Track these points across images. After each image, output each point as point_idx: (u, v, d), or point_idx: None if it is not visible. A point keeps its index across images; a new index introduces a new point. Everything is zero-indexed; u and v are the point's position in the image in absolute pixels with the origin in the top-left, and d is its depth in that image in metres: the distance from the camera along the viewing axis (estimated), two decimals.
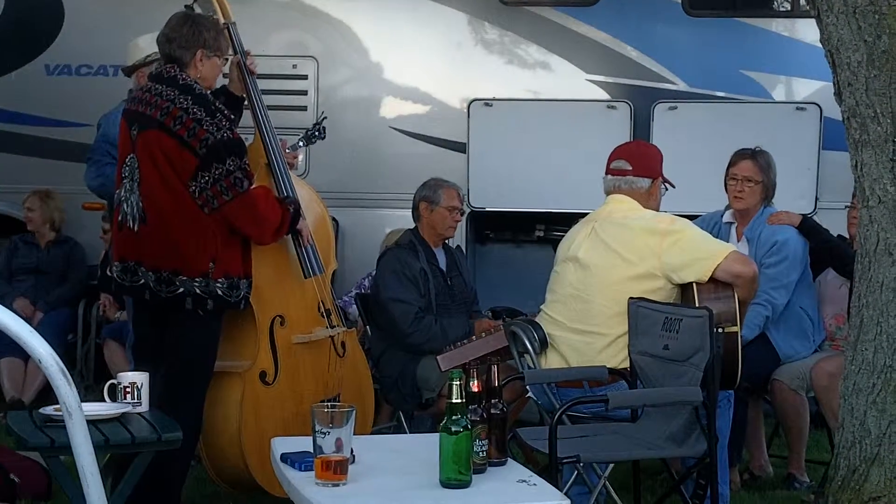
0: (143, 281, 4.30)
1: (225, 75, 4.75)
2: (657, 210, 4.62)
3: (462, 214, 5.82)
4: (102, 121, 5.81)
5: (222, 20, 4.75)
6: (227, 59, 4.50)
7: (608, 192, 4.60)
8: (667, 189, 4.66)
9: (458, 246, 6.07)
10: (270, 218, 4.38)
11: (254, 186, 4.33)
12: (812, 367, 5.11)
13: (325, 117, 5.54)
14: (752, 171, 5.23)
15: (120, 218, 4.39)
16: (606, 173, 4.61)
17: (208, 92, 4.36)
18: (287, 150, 4.97)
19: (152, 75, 4.47)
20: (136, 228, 4.31)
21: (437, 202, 5.64)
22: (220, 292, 4.27)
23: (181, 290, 4.24)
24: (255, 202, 4.31)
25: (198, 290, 4.24)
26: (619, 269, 4.34)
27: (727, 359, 4.09)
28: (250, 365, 4.57)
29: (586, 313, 4.38)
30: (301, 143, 5.26)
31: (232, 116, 4.42)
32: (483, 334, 5.20)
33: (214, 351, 4.43)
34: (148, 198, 4.27)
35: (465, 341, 5.18)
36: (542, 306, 4.62)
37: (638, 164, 4.57)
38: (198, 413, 4.36)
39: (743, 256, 4.41)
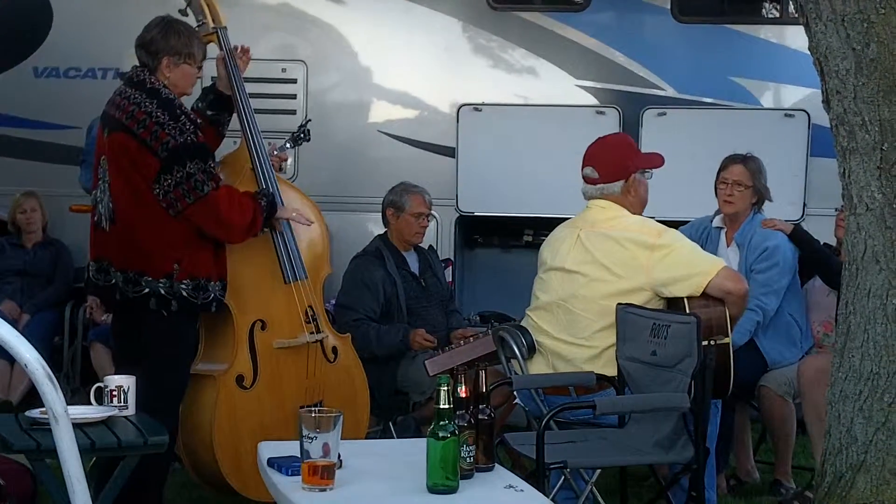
0: (113, 281, 4.35)
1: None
2: (642, 203, 4.57)
3: (429, 220, 5.82)
4: (94, 123, 5.80)
5: (212, 25, 4.74)
6: (200, 67, 4.50)
7: (586, 198, 4.57)
8: (650, 175, 4.58)
9: (431, 246, 6.07)
10: (235, 218, 4.37)
11: (218, 187, 4.32)
12: (799, 364, 5.12)
13: (310, 119, 5.54)
14: (742, 175, 5.25)
15: (96, 219, 4.44)
16: (582, 177, 4.57)
17: (175, 96, 4.36)
18: (275, 153, 4.96)
19: (125, 78, 4.50)
20: (108, 228, 4.37)
21: (403, 208, 5.65)
22: (184, 294, 4.29)
23: (146, 290, 4.28)
24: (218, 204, 4.31)
25: (162, 291, 4.28)
26: (606, 283, 4.32)
27: (719, 370, 4.09)
28: (226, 368, 4.57)
29: (573, 325, 4.37)
30: (287, 145, 5.26)
31: (199, 121, 4.43)
32: (462, 342, 5.18)
33: (188, 353, 4.46)
34: (116, 199, 4.33)
35: (452, 346, 5.19)
36: (527, 310, 4.61)
37: (605, 170, 4.49)
38: (174, 415, 4.36)
39: (734, 273, 4.40)
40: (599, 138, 4.70)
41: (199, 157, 4.27)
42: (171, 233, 4.28)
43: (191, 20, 4.73)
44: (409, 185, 5.77)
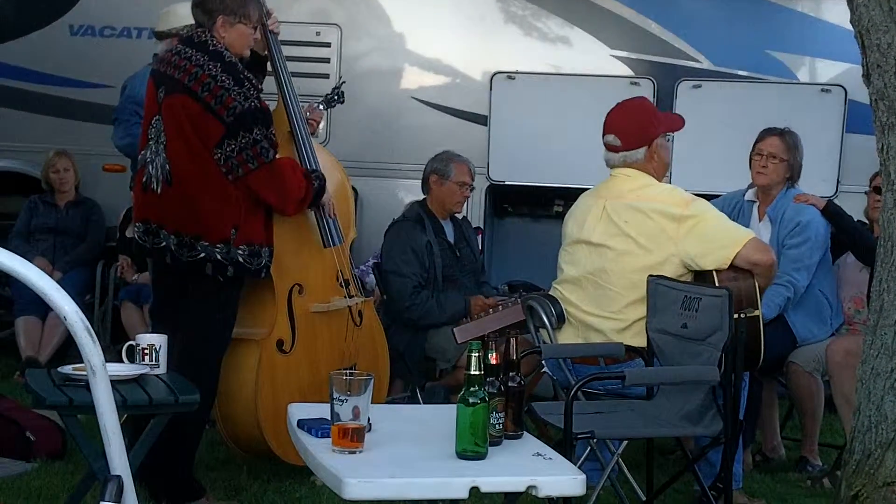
0: (164, 244, 4.28)
1: None
2: (665, 168, 4.56)
3: (472, 190, 5.82)
4: (128, 82, 5.82)
5: None
6: (256, 28, 4.43)
7: (609, 167, 4.54)
8: (671, 138, 4.55)
9: (465, 217, 6.09)
10: (294, 189, 4.36)
11: (280, 157, 4.31)
12: (828, 345, 5.09)
13: (344, 81, 5.54)
14: (778, 147, 5.20)
15: (144, 179, 4.36)
16: (604, 145, 4.54)
17: (237, 60, 4.31)
18: (308, 114, 4.96)
19: (183, 38, 4.44)
20: (159, 190, 4.29)
21: (448, 176, 5.66)
22: (241, 259, 4.26)
23: (202, 255, 4.23)
24: (281, 172, 4.29)
25: (219, 257, 4.23)
26: (635, 257, 4.31)
27: (749, 342, 4.07)
28: (268, 333, 4.57)
29: (602, 299, 4.37)
30: (321, 107, 5.26)
31: (260, 87, 4.39)
32: (490, 310, 5.20)
33: (233, 317, 4.42)
34: (173, 161, 4.25)
35: (481, 314, 5.19)
36: (554, 283, 4.60)
37: (627, 138, 4.46)
38: (213, 378, 4.37)
39: (762, 244, 4.37)
40: (618, 104, 4.64)
41: (262, 123, 4.23)
42: (230, 197, 4.22)
43: None
44: (454, 154, 5.78)
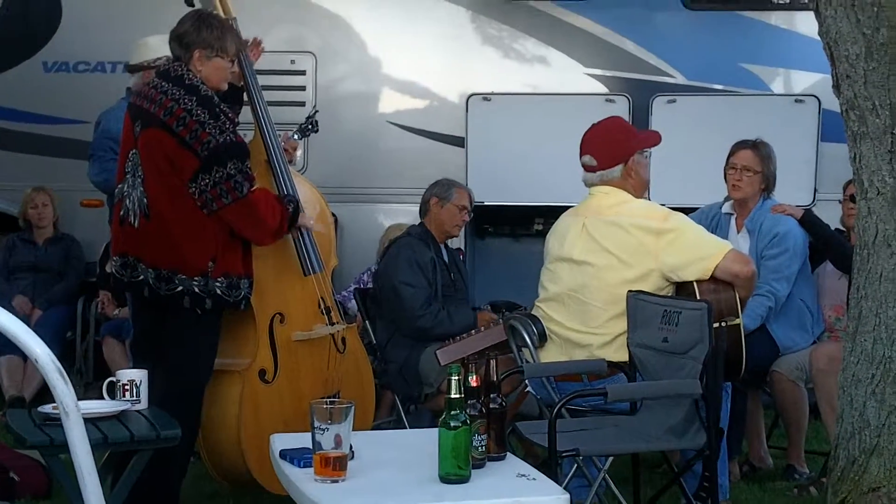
0: (142, 277, 4.27)
1: None
2: (644, 185, 4.57)
3: (470, 216, 5.85)
4: (102, 117, 5.80)
5: (222, 16, 4.71)
6: (233, 61, 4.43)
7: (587, 186, 4.56)
8: (649, 154, 4.56)
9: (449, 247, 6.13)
10: (269, 220, 4.35)
11: (254, 188, 4.30)
12: (811, 351, 5.11)
13: (317, 111, 5.55)
14: (751, 160, 5.23)
15: (122, 213, 4.35)
16: (581, 165, 4.56)
17: (213, 94, 4.29)
18: (282, 143, 4.96)
19: (159, 72, 4.43)
20: (137, 224, 4.28)
21: (449, 199, 5.73)
22: (219, 292, 4.25)
23: (180, 288, 4.22)
24: (255, 206, 4.28)
25: (196, 290, 4.22)
26: (615, 271, 4.32)
27: (732, 350, 4.08)
28: (250, 363, 4.55)
29: (585, 315, 4.37)
30: (296, 136, 5.26)
31: (238, 121, 4.39)
32: (482, 328, 5.22)
33: (214, 349, 4.41)
34: (150, 195, 4.24)
35: (464, 336, 5.19)
36: (536, 302, 4.61)
37: (603, 157, 4.48)
38: (196, 411, 4.35)
39: (741, 255, 4.40)
40: (594, 125, 4.66)
41: (237, 157, 4.22)
42: (207, 230, 4.22)
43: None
44: (454, 181, 5.89)
